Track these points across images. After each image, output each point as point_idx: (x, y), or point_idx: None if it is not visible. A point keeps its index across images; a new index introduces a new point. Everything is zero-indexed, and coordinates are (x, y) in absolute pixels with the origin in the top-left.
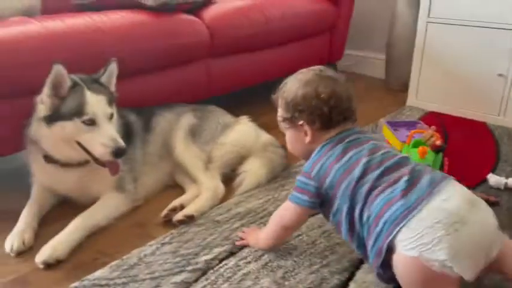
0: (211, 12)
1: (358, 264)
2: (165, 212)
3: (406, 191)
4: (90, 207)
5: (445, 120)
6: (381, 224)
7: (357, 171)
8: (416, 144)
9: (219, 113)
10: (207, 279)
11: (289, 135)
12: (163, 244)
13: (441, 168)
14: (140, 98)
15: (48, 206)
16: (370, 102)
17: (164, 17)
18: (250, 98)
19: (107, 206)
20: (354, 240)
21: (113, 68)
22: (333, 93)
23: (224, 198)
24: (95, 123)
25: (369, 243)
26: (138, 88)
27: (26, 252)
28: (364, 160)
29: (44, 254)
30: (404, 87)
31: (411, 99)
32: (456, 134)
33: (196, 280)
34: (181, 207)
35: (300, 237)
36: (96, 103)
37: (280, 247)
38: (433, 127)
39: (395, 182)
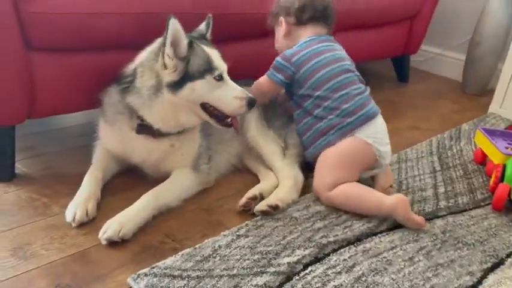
0: None
1: None
2: (244, 200)
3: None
4: (161, 184)
5: None
6: (354, 117)
7: (333, 70)
8: None
9: None
10: (293, 287)
11: (276, 32)
12: (238, 236)
13: None
14: None
15: (110, 174)
16: (447, 105)
17: None
18: None
19: (180, 186)
20: (304, 121)
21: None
22: None
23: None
24: (222, 78)
25: (328, 129)
26: None
27: (87, 223)
28: (336, 64)
29: (109, 230)
30: (482, 92)
31: (494, 107)
32: None
33: (280, 286)
34: (261, 196)
35: (395, 251)
36: (217, 57)
37: (373, 259)
38: None
39: (361, 93)
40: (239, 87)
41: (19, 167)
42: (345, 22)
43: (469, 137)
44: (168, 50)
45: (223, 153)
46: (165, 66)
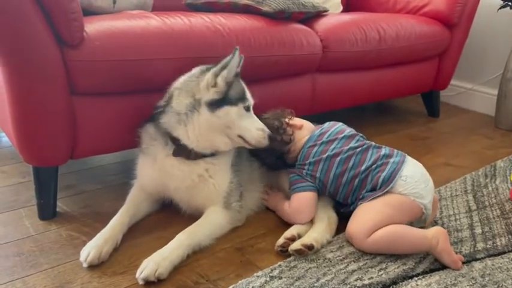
0: (325, 24)
1: None
2: (282, 240)
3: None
4: (194, 223)
5: None
6: (380, 179)
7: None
8: None
9: None
10: None
11: None
12: (272, 278)
13: None
14: None
15: (142, 215)
16: (479, 141)
17: (281, 25)
18: (353, 119)
19: (211, 224)
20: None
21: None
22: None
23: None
24: (249, 110)
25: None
26: None
27: (121, 262)
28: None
29: (146, 270)
30: None
31: None
32: None
33: None
34: (299, 236)
35: None
36: (248, 91)
37: None
38: None
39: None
40: (261, 122)
41: (60, 205)
42: (373, 60)
43: (505, 174)
44: (225, 72)
45: (255, 192)
46: (214, 85)
